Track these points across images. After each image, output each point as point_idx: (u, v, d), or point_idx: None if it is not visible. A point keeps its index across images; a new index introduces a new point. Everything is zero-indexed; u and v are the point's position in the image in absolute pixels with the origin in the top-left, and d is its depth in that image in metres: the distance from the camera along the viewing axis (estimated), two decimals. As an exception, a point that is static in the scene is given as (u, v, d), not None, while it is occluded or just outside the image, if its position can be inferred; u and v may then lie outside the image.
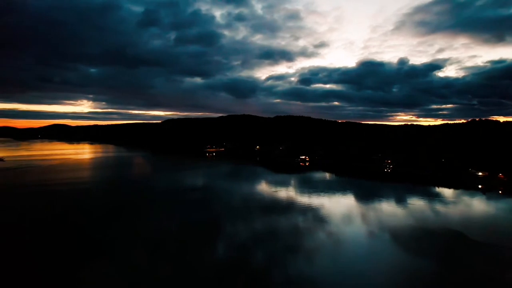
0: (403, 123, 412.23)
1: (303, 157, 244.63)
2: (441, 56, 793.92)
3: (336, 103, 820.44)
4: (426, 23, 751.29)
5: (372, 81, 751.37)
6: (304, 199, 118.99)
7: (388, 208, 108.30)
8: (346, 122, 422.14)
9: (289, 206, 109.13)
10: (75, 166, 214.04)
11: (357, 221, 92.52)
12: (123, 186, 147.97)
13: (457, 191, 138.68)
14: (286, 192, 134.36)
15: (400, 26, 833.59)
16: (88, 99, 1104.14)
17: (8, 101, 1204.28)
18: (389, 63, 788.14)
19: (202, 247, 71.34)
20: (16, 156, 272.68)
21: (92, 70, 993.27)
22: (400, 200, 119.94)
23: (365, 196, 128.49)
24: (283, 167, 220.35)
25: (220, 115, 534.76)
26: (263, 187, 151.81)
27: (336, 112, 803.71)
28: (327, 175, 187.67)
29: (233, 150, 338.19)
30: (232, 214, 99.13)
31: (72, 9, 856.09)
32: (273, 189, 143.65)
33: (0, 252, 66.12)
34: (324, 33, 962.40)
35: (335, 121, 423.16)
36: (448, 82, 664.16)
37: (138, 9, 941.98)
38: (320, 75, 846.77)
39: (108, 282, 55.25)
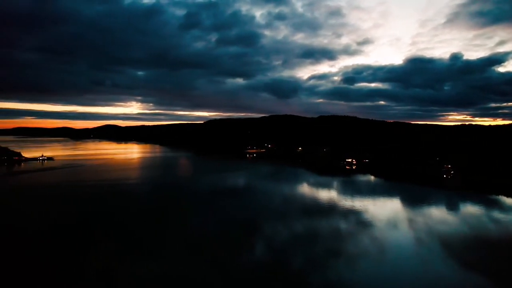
0: (458, 123, 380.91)
1: (349, 159, 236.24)
2: (501, 49, 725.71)
3: (381, 102, 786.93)
4: (485, 14, 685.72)
5: (420, 78, 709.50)
6: (350, 204, 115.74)
7: (445, 216, 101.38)
8: (395, 122, 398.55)
9: (332, 210, 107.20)
10: (116, 166, 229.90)
11: (406, 228, 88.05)
12: (165, 186, 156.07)
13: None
14: (330, 196, 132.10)
15: (453, 19, 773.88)
16: (137, 100, 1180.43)
17: (67, 103, 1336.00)
18: (440, 59, 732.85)
19: (241, 248, 72.87)
20: (65, 155, 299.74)
21: (139, 73, 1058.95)
22: (460, 209, 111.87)
23: (421, 203, 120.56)
24: (327, 170, 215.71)
25: (262, 115, 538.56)
26: (305, 190, 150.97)
27: (381, 112, 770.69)
28: (377, 180, 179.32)
29: (274, 151, 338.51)
30: (272, 216, 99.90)
31: (119, 15, 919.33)
32: (316, 192, 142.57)
33: (46, 246, 74.94)
34: (368, 30, 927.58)
35: (384, 121, 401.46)
36: (510, 78, 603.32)
37: (180, 12, 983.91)
38: (365, 74, 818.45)
39: (148, 280, 58.47)
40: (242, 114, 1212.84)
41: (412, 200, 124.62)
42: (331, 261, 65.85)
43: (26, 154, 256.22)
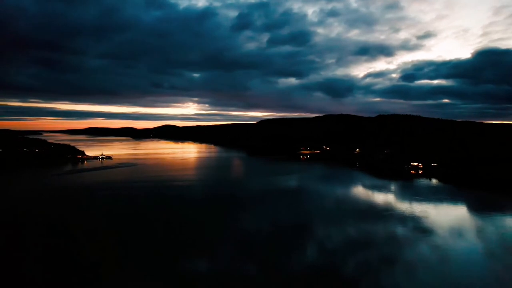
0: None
1: (415, 163, 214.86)
2: None
3: (445, 100, 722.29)
4: None
5: (493, 73, 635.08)
6: (413, 210, 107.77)
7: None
8: (465, 122, 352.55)
9: (393, 216, 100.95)
10: (169, 166, 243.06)
11: (477, 239, 79.67)
12: (219, 187, 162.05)
13: None
14: (396, 203, 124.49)
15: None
16: (193, 101, 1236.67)
17: (131, 105, 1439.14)
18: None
19: (292, 249, 73.29)
20: (124, 154, 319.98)
21: (195, 75, 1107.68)
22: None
23: (497, 213, 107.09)
24: (389, 174, 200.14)
25: (316, 115, 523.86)
26: (364, 194, 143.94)
27: (445, 111, 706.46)
28: (448, 187, 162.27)
29: (329, 153, 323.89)
30: (325, 219, 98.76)
31: (175, 19, 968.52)
32: (376, 198, 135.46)
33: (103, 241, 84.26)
34: (430, 22, 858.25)
35: (452, 121, 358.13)
36: None
37: (232, 13, 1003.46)
38: (426, 70, 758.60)
39: (200, 274, 62.87)
40: (296, 114, 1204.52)
41: (488, 210, 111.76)
42: (386, 267, 63.36)
43: (89, 152, 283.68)
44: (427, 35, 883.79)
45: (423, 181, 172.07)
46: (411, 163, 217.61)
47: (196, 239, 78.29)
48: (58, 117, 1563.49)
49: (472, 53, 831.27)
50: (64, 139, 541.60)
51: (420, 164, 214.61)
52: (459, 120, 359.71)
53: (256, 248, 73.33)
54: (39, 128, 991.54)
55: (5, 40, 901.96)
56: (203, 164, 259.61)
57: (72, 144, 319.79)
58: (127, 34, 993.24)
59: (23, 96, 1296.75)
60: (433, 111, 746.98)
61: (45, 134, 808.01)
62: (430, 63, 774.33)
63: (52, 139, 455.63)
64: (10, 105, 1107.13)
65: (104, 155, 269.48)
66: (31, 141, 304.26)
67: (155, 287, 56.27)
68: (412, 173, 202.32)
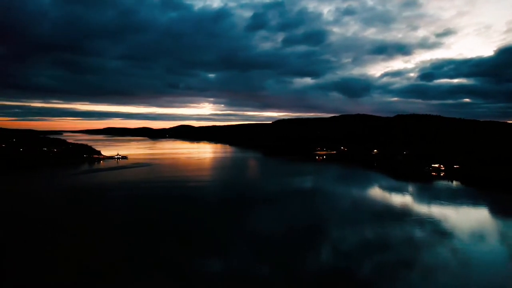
0: None
1: (436, 165, 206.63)
2: None
3: (466, 100, 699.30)
4: None
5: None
6: (435, 213, 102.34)
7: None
8: (489, 121, 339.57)
9: (415, 221, 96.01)
10: (184, 166, 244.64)
11: (502, 245, 74.58)
12: (233, 187, 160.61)
13: None
14: (417, 207, 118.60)
15: None
16: (209, 102, 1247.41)
17: (148, 105, 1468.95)
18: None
19: (307, 250, 71.83)
20: (139, 154, 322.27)
21: (210, 75, 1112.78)
22: None
23: None
24: (409, 176, 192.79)
25: (332, 115, 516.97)
26: (383, 197, 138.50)
27: (466, 110, 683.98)
28: (473, 190, 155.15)
29: (346, 153, 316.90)
30: (340, 220, 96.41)
31: (190, 20, 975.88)
32: (396, 201, 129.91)
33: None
34: (450, 19, 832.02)
35: (475, 121, 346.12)
36: None
37: (247, 14, 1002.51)
38: (445, 69, 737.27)
39: (214, 274, 62.51)
40: (311, 114, 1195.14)
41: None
42: (404, 271, 61.20)
43: (105, 152, 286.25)
44: (447, 33, 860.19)
45: (445, 183, 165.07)
46: (432, 165, 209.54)
47: (210, 240, 77.82)
48: (77, 117, 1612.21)
49: (495, 51, 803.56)
50: (83, 138, 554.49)
51: (441, 165, 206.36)
52: (482, 120, 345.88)
53: (271, 249, 72.45)
54: (60, 128, 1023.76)
55: (28, 43, 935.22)
56: (218, 164, 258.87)
57: (90, 144, 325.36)
58: (144, 35, 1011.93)
59: (45, 97, 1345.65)
60: (453, 111, 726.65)
61: (65, 134, 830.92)
62: (450, 62, 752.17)
63: (71, 138, 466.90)
64: (33, 106, 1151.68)
65: (119, 155, 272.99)
66: (51, 140, 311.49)
67: (169, 287, 56.11)
68: (433, 175, 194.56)
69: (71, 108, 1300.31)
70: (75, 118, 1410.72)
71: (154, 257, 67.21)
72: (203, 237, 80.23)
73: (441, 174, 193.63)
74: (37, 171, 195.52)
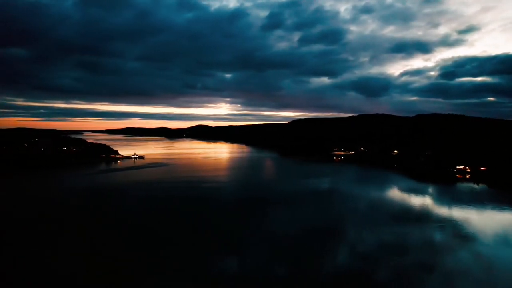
0: None
1: (461, 167, 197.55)
2: None
3: (490, 99, 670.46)
4: None
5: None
6: (457, 217, 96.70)
7: None
8: None
9: (438, 227, 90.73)
10: (201, 166, 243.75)
11: None
12: (249, 187, 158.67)
13: None
14: (443, 214, 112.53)
15: None
16: (226, 102, 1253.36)
17: (166, 105, 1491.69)
18: None
19: (323, 251, 70.44)
20: (156, 153, 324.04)
21: (227, 75, 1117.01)
22: None
23: None
24: (432, 178, 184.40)
25: (350, 115, 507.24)
26: (406, 201, 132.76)
27: (491, 109, 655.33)
28: (500, 195, 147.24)
29: (364, 154, 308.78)
30: (358, 222, 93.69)
31: (207, 20, 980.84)
32: (418, 204, 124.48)
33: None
34: (473, 15, 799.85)
35: (502, 120, 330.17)
36: None
37: (263, 13, 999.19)
38: (468, 67, 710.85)
39: (228, 274, 61.15)
40: (329, 114, 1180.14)
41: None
42: (423, 275, 59.13)
43: (123, 152, 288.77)
44: (470, 29, 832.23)
45: (470, 186, 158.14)
46: (457, 167, 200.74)
47: (226, 240, 77.08)
48: (98, 117, 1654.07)
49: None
50: (103, 138, 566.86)
51: (467, 167, 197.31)
52: (509, 120, 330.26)
53: (287, 250, 71.23)
54: (81, 128, 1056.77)
55: (51, 45, 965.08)
56: (234, 164, 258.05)
57: (109, 143, 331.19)
58: (161, 36, 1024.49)
59: (67, 98, 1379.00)
60: (477, 110, 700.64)
61: (86, 133, 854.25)
62: (473, 59, 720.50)
63: (91, 138, 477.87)
64: (55, 107, 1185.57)
65: (136, 155, 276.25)
66: (71, 140, 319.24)
67: (184, 287, 55.83)
68: (458, 177, 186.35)
69: (92, 108, 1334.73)
70: (95, 118, 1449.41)
71: (168, 257, 66.72)
72: (219, 237, 79.39)
73: (467, 176, 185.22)
74: (55, 170, 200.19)
